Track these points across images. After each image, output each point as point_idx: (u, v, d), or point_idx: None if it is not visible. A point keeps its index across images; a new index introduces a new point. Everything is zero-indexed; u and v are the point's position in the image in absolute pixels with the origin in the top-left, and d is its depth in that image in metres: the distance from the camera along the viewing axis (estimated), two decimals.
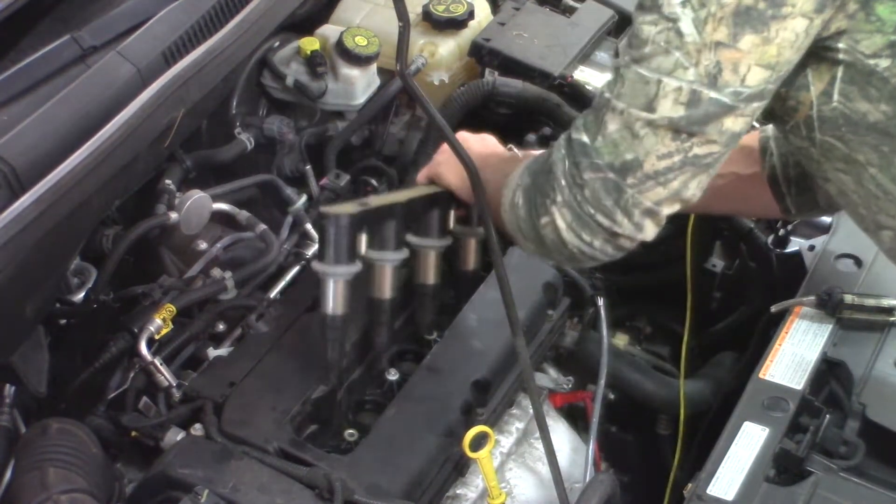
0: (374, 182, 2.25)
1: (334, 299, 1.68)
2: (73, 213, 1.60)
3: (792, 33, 1.32)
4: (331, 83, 2.22)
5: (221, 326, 1.88)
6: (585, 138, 1.41)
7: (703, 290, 2.22)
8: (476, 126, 1.96)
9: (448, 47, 2.35)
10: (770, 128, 1.81)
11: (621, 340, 2.27)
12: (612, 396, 2.05)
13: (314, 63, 2.20)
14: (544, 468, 1.78)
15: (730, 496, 1.59)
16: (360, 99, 2.25)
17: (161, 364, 1.75)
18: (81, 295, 1.85)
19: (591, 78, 2.30)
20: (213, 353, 1.83)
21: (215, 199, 1.99)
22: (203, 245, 2.00)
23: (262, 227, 2.00)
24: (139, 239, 1.86)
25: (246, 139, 2.16)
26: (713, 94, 1.33)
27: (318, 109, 2.27)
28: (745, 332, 2.09)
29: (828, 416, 1.72)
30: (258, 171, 2.17)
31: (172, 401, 1.74)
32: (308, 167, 2.21)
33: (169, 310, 1.78)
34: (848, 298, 1.82)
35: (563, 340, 2.01)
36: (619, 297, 2.22)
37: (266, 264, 1.95)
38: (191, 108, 1.83)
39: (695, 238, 2.14)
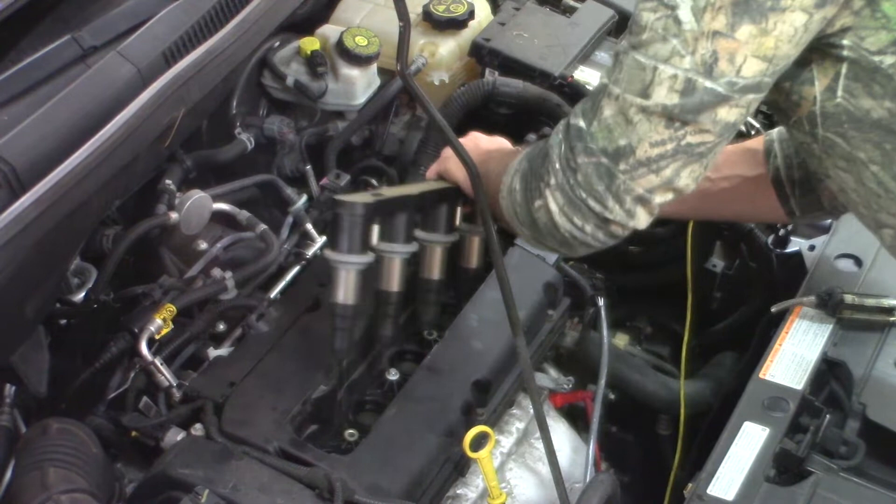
0: (374, 182, 2.25)
1: (345, 288, 1.67)
2: (74, 213, 1.60)
3: (791, 27, 1.32)
4: (331, 83, 2.23)
5: (222, 326, 1.88)
6: (582, 123, 1.42)
7: (704, 290, 2.22)
8: (476, 126, 1.97)
9: (448, 47, 2.35)
10: (775, 131, 1.81)
11: (622, 340, 2.27)
12: (612, 396, 2.05)
13: (314, 63, 2.20)
14: (545, 468, 1.78)
15: (730, 496, 1.59)
16: (361, 99, 2.25)
17: (161, 364, 1.74)
18: (81, 295, 1.85)
19: (592, 78, 2.30)
20: (213, 353, 1.82)
21: (215, 199, 1.99)
22: (203, 245, 1.99)
23: (263, 227, 2.00)
24: (139, 239, 1.86)
25: (246, 139, 2.16)
26: (708, 84, 1.33)
27: (318, 109, 2.27)
28: (745, 332, 2.09)
29: (828, 416, 1.72)
30: (258, 171, 2.17)
31: (173, 401, 1.74)
32: (308, 167, 2.21)
33: (169, 310, 1.78)
34: (848, 298, 1.83)
35: (564, 340, 2.01)
36: (620, 297, 2.22)
37: (266, 264, 1.94)
38: (191, 108, 1.83)
39: (695, 238, 2.14)
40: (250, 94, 2.22)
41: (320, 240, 2.04)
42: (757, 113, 2.18)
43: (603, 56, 2.37)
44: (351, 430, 1.73)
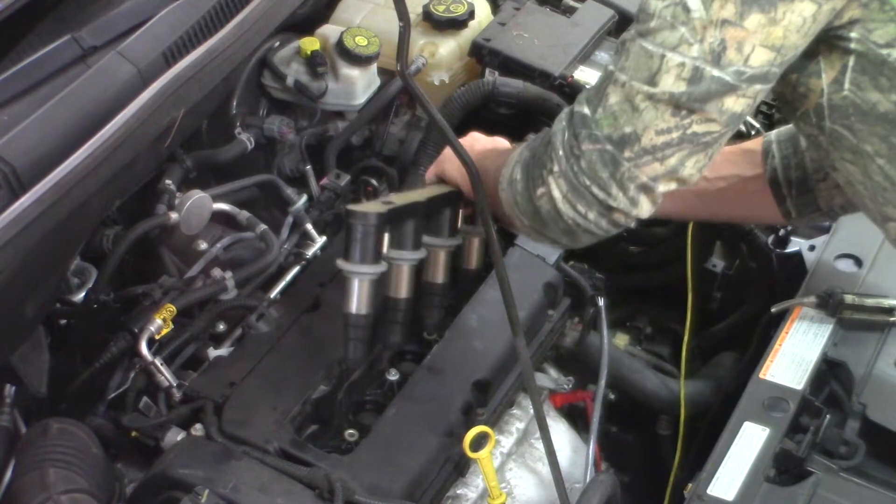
0: (374, 182, 2.25)
1: (359, 298, 1.66)
2: (74, 213, 1.60)
3: (799, 17, 1.32)
4: (331, 83, 2.23)
5: (222, 326, 1.88)
6: (586, 110, 1.41)
7: (704, 291, 2.22)
8: (476, 126, 1.97)
9: (448, 47, 2.35)
10: (774, 132, 1.81)
11: (622, 340, 2.27)
12: (612, 396, 2.05)
13: (314, 63, 2.20)
14: (545, 468, 1.78)
15: (730, 496, 1.59)
16: (361, 99, 2.25)
17: (161, 364, 1.75)
18: (82, 295, 1.85)
19: (592, 78, 2.30)
20: (213, 353, 1.82)
21: (215, 199, 1.99)
22: (203, 245, 1.99)
23: (263, 227, 2.00)
24: (139, 239, 1.86)
25: (246, 139, 2.16)
26: (715, 72, 1.33)
27: (318, 109, 2.27)
28: (745, 332, 2.09)
29: (828, 416, 1.72)
30: (258, 171, 2.17)
31: (173, 401, 1.74)
32: (308, 167, 2.21)
33: (169, 310, 1.78)
34: (848, 298, 1.83)
35: (564, 340, 2.01)
36: (620, 297, 2.22)
37: (266, 264, 1.94)
38: (191, 108, 1.83)
39: (695, 238, 2.14)
40: (250, 94, 2.22)
41: (320, 240, 2.04)
42: (757, 113, 2.19)
43: (603, 56, 2.37)
44: (351, 431, 1.73)
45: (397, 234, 1.71)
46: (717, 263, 2.29)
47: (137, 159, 1.74)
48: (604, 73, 1.42)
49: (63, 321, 1.82)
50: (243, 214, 2.03)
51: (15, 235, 1.50)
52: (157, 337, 1.77)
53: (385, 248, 1.68)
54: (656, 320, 2.34)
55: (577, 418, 2.03)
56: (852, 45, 1.38)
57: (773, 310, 1.89)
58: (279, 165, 2.23)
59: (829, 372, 1.78)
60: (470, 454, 1.61)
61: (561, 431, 1.92)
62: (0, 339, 1.61)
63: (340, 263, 1.66)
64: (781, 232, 2.11)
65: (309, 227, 2.06)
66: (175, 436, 1.68)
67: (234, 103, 2.17)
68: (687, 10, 1.32)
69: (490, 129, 1.91)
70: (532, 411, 1.77)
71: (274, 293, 1.92)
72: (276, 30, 2.10)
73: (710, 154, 1.41)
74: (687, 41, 1.33)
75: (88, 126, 1.66)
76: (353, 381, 1.78)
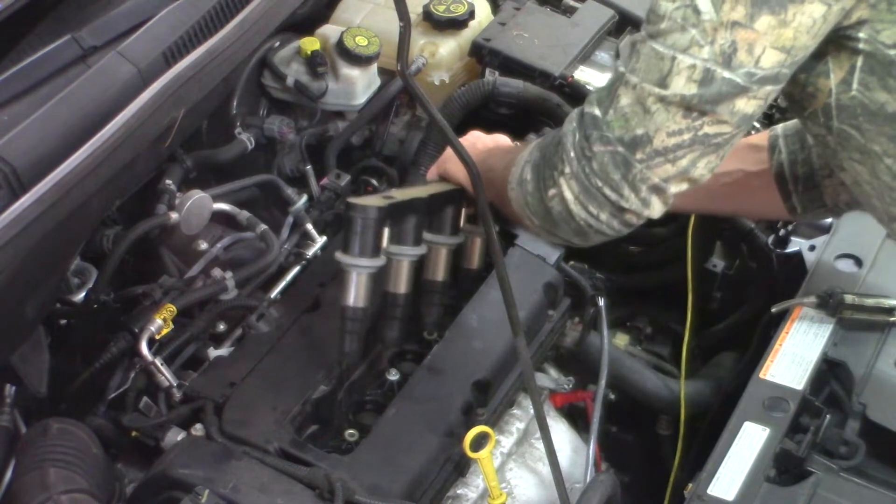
0: (374, 182, 2.25)
1: (356, 291, 1.67)
2: (74, 213, 1.60)
3: (809, 18, 1.32)
4: (331, 83, 2.23)
5: (222, 326, 1.88)
6: (597, 111, 1.42)
7: (704, 291, 2.22)
8: (476, 126, 1.97)
9: (449, 47, 2.35)
10: (780, 126, 1.81)
11: (622, 340, 2.27)
12: (612, 396, 2.05)
13: (314, 63, 2.20)
14: (545, 468, 1.78)
15: (730, 496, 1.59)
16: (361, 99, 2.26)
17: (162, 364, 1.74)
18: (82, 295, 1.85)
19: (592, 78, 2.30)
20: (213, 353, 1.82)
21: (216, 199, 1.99)
22: (203, 245, 2.00)
23: (263, 227, 2.00)
24: (139, 239, 1.86)
25: (246, 139, 2.16)
26: (726, 74, 1.33)
27: (318, 109, 2.27)
28: (745, 332, 2.09)
29: (828, 416, 1.72)
30: (258, 171, 2.17)
31: (173, 401, 1.74)
32: (308, 167, 2.21)
33: (169, 310, 1.78)
34: (848, 298, 1.83)
35: (564, 340, 2.01)
36: (620, 297, 2.22)
37: (266, 264, 1.94)
38: (191, 108, 1.83)
39: (695, 238, 2.14)
40: (250, 94, 2.22)
41: (320, 240, 2.04)
42: None
43: (603, 56, 2.37)
44: (351, 431, 1.73)
45: (398, 229, 1.71)
46: (718, 263, 2.29)
47: (137, 159, 1.74)
48: (614, 74, 1.42)
49: (63, 321, 1.82)
50: (243, 214, 2.03)
51: (15, 235, 1.50)
52: (157, 337, 1.77)
53: (385, 243, 1.69)
54: (656, 320, 2.34)
55: (577, 418, 2.03)
56: (860, 46, 1.38)
57: (773, 310, 1.89)
58: (279, 165, 2.23)
59: (830, 372, 1.78)
60: (470, 454, 1.61)
61: (561, 431, 1.92)
62: (0, 339, 1.61)
63: (339, 256, 1.67)
64: (782, 232, 2.12)
65: (309, 227, 2.06)
66: (175, 436, 1.68)
67: (235, 103, 2.17)
68: (697, 12, 1.32)
69: (490, 129, 1.91)
70: (532, 411, 1.77)
71: (274, 293, 1.93)
72: (276, 30, 2.11)
73: (721, 155, 1.42)
74: (698, 43, 1.33)
75: (88, 126, 1.66)
76: (354, 381, 1.78)
